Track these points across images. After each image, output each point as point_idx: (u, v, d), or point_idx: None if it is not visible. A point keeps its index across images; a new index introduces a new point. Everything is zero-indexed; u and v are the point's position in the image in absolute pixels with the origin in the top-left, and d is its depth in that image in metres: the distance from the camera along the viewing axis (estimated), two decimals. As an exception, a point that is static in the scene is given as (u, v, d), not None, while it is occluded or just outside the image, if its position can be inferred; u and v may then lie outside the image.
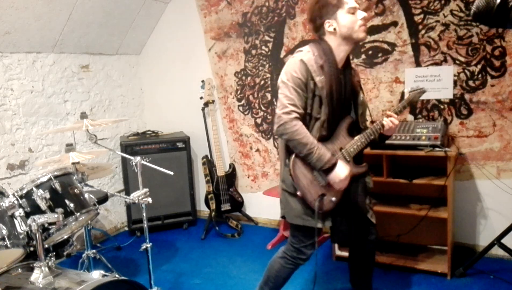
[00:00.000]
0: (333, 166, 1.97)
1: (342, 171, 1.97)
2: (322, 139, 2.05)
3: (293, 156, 2.04)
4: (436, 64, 3.03)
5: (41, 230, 1.82)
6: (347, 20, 1.95)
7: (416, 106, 3.15)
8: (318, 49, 2.00)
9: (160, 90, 4.35)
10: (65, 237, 2.21)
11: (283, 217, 2.22)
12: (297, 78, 1.96)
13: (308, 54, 2.00)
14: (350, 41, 2.00)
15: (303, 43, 3.50)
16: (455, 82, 2.99)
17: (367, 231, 2.23)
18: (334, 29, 1.97)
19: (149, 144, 3.89)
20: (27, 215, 1.89)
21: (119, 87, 4.14)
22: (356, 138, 2.08)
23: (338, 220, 2.12)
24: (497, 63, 2.86)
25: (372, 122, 2.31)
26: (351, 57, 2.26)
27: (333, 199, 2.04)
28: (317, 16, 1.99)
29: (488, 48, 2.86)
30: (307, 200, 2.04)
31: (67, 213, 2.05)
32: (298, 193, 2.05)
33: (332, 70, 1.98)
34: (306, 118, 2.02)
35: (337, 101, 2.02)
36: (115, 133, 4.09)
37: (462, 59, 2.95)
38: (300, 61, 1.97)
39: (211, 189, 3.86)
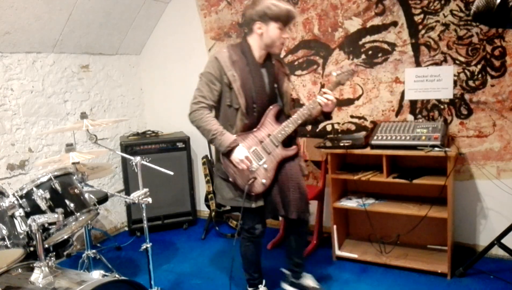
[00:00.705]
0: (232, 149, 2.25)
1: (239, 154, 2.25)
2: (249, 127, 2.34)
3: None
4: (436, 64, 3.03)
5: (41, 230, 1.82)
6: (274, 33, 2.26)
7: (416, 107, 3.15)
8: (236, 49, 2.34)
9: (160, 90, 4.35)
10: (65, 237, 2.21)
11: (219, 204, 2.56)
12: (209, 74, 2.30)
13: (222, 52, 2.32)
14: (268, 49, 2.33)
15: (303, 43, 3.51)
16: (455, 82, 2.99)
17: (302, 209, 2.45)
18: (262, 33, 2.27)
19: (149, 144, 3.89)
20: (27, 215, 1.90)
21: (119, 87, 4.14)
22: (283, 124, 2.34)
23: (272, 195, 2.39)
24: (497, 63, 2.86)
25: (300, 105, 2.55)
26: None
27: (264, 181, 2.32)
28: (254, 16, 2.26)
29: (488, 48, 2.86)
30: (238, 184, 2.31)
31: (67, 213, 2.05)
32: (230, 179, 2.32)
33: (246, 65, 2.29)
34: (227, 110, 2.31)
35: (256, 92, 2.30)
36: (115, 133, 4.09)
37: (462, 59, 2.95)
38: (215, 58, 2.31)
39: (211, 189, 3.86)
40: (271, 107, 2.37)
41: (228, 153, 2.27)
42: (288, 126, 2.33)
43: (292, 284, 2.70)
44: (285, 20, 2.24)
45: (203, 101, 2.29)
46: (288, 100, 2.45)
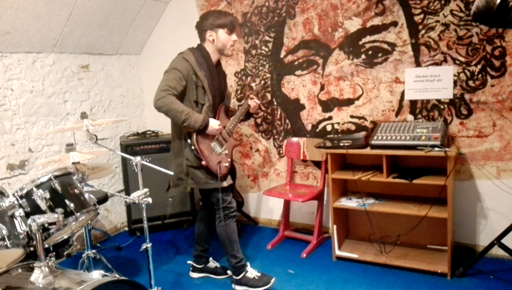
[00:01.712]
0: (206, 122, 2.62)
1: (214, 124, 2.66)
2: None
3: (194, 134, 2.63)
4: (436, 64, 3.03)
5: (41, 230, 1.82)
6: (224, 38, 2.69)
7: (416, 107, 3.15)
8: (197, 53, 2.69)
9: (160, 90, 4.34)
10: (65, 237, 2.21)
11: (191, 190, 3.04)
12: (177, 70, 2.61)
13: (190, 55, 2.67)
14: (220, 52, 2.75)
15: (303, 43, 3.51)
16: (455, 82, 2.99)
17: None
18: (213, 40, 2.69)
19: (149, 144, 3.89)
20: (27, 215, 1.89)
21: (119, 87, 4.14)
22: (231, 118, 2.85)
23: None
24: (497, 63, 2.86)
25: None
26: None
27: (226, 164, 2.75)
28: (204, 27, 2.70)
29: (488, 48, 2.86)
30: (211, 167, 2.66)
31: (67, 213, 2.05)
32: (203, 163, 2.63)
33: (207, 67, 2.67)
34: (193, 105, 2.64)
35: (216, 91, 2.73)
36: (115, 133, 4.09)
37: (462, 59, 2.95)
38: (184, 58, 2.65)
39: (211, 189, 3.86)
40: (222, 104, 2.83)
41: (204, 127, 2.60)
42: (235, 120, 2.85)
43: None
44: (230, 26, 2.67)
45: (171, 90, 2.58)
46: (228, 97, 2.98)
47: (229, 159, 2.80)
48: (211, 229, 2.97)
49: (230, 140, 2.86)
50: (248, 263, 2.88)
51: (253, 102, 2.90)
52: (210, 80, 2.67)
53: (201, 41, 2.76)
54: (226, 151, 2.80)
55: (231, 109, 3.06)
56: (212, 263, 3.10)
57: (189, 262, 3.13)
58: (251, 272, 2.81)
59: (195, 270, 3.08)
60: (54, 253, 2.13)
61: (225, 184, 2.73)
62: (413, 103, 3.16)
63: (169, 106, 2.55)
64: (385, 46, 3.18)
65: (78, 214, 2.11)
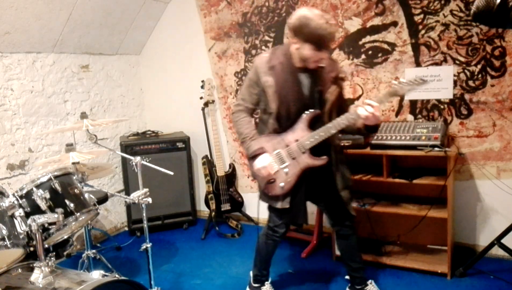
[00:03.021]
0: (255, 157, 2.30)
1: (259, 162, 2.29)
2: (279, 131, 2.32)
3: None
4: (436, 64, 3.03)
5: (41, 230, 1.82)
6: (308, 53, 2.13)
7: (416, 107, 3.15)
8: (279, 51, 2.29)
9: (160, 90, 4.35)
10: (65, 237, 2.21)
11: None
12: (250, 79, 2.34)
13: (263, 57, 2.31)
14: (302, 63, 2.21)
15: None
16: (455, 82, 2.99)
17: (341, 218, 2.50)
18: (297, 48, 2.17)
19: (149, 144, 3.89)
20: (27, 215, 1.90)
21: (119, 87, 4.14)
22: (315, 131, 2.23)
23: (296, 202, 2.37)
24: (497, 63, 2.86)
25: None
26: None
27: (282, 184, 2.29)
28: (294, 33, 2.16)
29: (488, 48, 2.86)
30: (258, 183, 2.41)
31: (67, 213, 2.05)
32: (252, 177, 2.39)
33: (284, 70, 2.23)
34: (263, 112, 2.36)
35: (293, 98, 2.24)
36: (115, 133, 4.09)
37: (462, 59, 2.95)
38: (254, 63, 2.33)
39: (211, 189, 3.86)
40: (306, 113, 2.26)
41: (252, 158, 2.33)
42: (319, 134, 2.21)
43: None
44: (318, 43, 2.08)
45: (242, 104, 2.36)
46: (330, 107, 2.29)
47: (289, 180, 2.28)
48: (354, 245, 2.57)
49: (301, 158, 2.26)
50: (269, 279, 2.69)
51: (363, 110, 2.10)
52: (282, 86, 2.22)
53: (289, 40, 2.27)
54: (287, 170, 2.27)
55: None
56: (372, 287, 2.63)
57: (347, 277, 2.71)
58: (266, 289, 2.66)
59: None
60: (54, 253, 2.14)
61: (278, 205, 2.35)
62: (413, 103, 3.16)
63: (234, 124, 2.41)
64: (385, 46, 3.18)
65: (78, 214, 2.11)
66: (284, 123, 2.29)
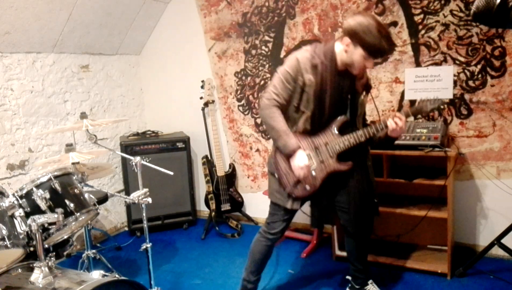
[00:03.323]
0: (293, 153, 2.18)
1: (300, 161, 2.18)
2: (309, 132, 2.26)
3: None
4: (436, 64, 3.03)
5: (41, 230, 1.82)
6: (358, 58, 2.08)
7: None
8: (319, 50, 2.17)
9: (160, 90, 4.35)
10: (65, 237, 2.21)
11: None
12: (287, 72, 2.16)
13: (305, 53, 2.17)
14: (346, 66, 2.16)
15: (303, 43, 3.50)
16: (455, 82, 2.99)
17: (360, 222, 2.44)
18: (346, 50, 2.10)
19: (149, 144, 3.89)
20: (27, 215, 1.89)
21: (119, 87, 4.14)
22: (344, 137, 2.23)
23: (316, 205, 2.40)
24: (497, 63, 2.86)
25: (373, 122, 2.40)
26: None
27: (307, 187, 2.26)
28: (350, 33, 2.06)
29: (488, 48, 2.86)
30: (282, 182, 2.30)
31: (67, 213, 2.05)
32: (275, 174, 2.30)
33: (326, 71, 2.14)
34: (293, 110, 2.23)
35: (330, 100, 2.19)
36: (115, 133, 4.09)
37: (462, 59, 2.95)
38: (295, 58, 2.16)
39: (211, 189, 3.86)
40: (339, 117, 2.26)
41: (289, 155, 2.21)
42: (349, 140, 2.22)
43: None
44: (373, 53, 2.05)
45: (277, 99, 2.18)
46: (361, 113, 2.33)
47: (315, 183, 2.26)
48: (360, 247, 2.57)
49: (328, 162, 2.25)
50: None
51: (392, 122, 2.16)
52: (322, 87, 2.15)
53: (340, 38, 2.16)
54: (314, 173, 2.25)
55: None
56: (372, 287, 2.64)
57: (348, 277, 2.72)
58: None
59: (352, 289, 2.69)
60: (54, 253, 2.13)
61: (288, 205, 2.32)
62: (413, 103, 3.16)
63: (265, 118, 2.20)
64: (385, 46, 3.18)
65: (78, 214, 2.11)
66: (316, 125, 2.24)
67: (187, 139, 3.96)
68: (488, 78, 2.89)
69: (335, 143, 2.24)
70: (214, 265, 3.26)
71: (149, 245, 2.48)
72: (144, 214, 2.45)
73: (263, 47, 3.72)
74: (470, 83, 2.95)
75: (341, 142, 2.23)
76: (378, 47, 2.01)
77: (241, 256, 3.34)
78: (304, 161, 2.18)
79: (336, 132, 2.26)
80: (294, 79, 2.16)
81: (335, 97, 2.20)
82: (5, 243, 1.80)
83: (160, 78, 4.32)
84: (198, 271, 3.17)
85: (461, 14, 2.90)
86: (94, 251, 2.93)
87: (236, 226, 3.87)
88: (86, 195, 2.24)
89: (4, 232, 1.82)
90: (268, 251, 2.49)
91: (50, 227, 1.99)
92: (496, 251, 2.87)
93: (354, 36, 2.04)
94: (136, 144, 3.86)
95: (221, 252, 3.47)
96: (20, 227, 1.87)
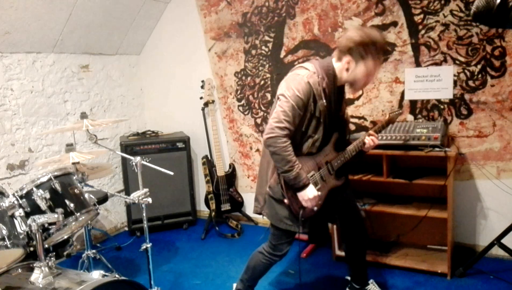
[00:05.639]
0: (304, 186, 2.11)
1: (310, 193, 2.12)
2: (312, 153, 2.22)
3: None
4: (436, 64, 3.03)
5: (41, 230, 1.82)
6: (360, 75, 2.08)
7: (416, 107, 3.15)
8: (320, 69, 2.11)
9: (160, 90, 4.35)
10: (65, 237, 2.21)
11: (259, 213, 2.43)
12: (300, 99, 2.05)
13: (314, 76, 2.08)
14: (346, 84, 2.19)
15: (303, 43, 3.51)
16: (455, 82, 2.99)
17: (356, 228, 2.48)
18: (347, 69, 2.09)
19: (149, 144, 3.89)
20: (27, 215, 1.89)
21: (119, 87, 4.14)
22: (340, 153, 2.28)
23: (315, 223, 2.33)
24: (497, 63, 2.86)
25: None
26: None
27: (315, 208, 2.20)
28: (350, 50, 2.05)
29: (488, 48, 2.86)
30: (293, 208, 2.20)
31: (67, 213, 2.05)
32: (286, 201, 2.19)
33: (330, 92, 2.12)
34: (298, 134, 2.15)
35: (332, 119, 2.19)
36: (115, 133, 4.09)
37: (462, 59, 2.95)
38: (307, 83, 2.06)
39: (211, 189, 3.86)
40: (334, 134, 2.26)
41: (300, 188, 2.13)
42: (344, 156, 2.27)
43: None
44: (379, 49, 2.07)
45: (289, 127, 2.06)
46: (347, 126, 2.40)
47: (320, 202, 2.22)
48: (358, 248, 2.54)
49: (329, 179, 2.26)
50: None
51: (370, 140, 2.29)
52: (330, 109, 2.14)
53: (338, 55, 2.12)
54: (320, 193, 2.19)
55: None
56: (373, 286, 2.64)
57: (347, 277, 2.75)
58: None
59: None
60: (54, 253, 2.13)
61: (301, 230, 2.26)
62: (413, 103, 3.16)
63: (278, 150, 2.05)
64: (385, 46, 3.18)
65: (78, 214, 2.11)
66: (322, 147, 2.22)
67: (187, 139, 3.96)
68: (488, 78, 2.89)
69: (334, 160, 2.26)
70: (214, 265, 3.26)
71: (149, 245, 2.48)
72: (144, 214, 2.45)
73: (263, 47, 3.72)
74: (470, 83, 2.95)
75: (338, 158, 2.27)
76: (380, 43, 2.05)
77: (241, 256, 3.34)
78: (314, 193, 2.13)
79: (333, 149, 2.28)
80: (305, 105, 2.07)
81: (335, 115, 2.21)
82: (5, 243, 1.80)
83: (160, 78, 4.32)
84: (198, 271, 3.17)
85: (461, 14, 2.90)
86: (94, 251, 2.93)
87: (236, 226, 3.87)
88: (86, 195, 2.24)
89: (4, 232, 1.82)
90: (270, 268, 2.46)
91: (50, 227, 1.99)
92: (496, 251, 2.88)
93: (356, 49, 2.03)
94: (136, 144, 3.86)
95: (221, 252, 3.47)
96: (20, 227, 1.88)
